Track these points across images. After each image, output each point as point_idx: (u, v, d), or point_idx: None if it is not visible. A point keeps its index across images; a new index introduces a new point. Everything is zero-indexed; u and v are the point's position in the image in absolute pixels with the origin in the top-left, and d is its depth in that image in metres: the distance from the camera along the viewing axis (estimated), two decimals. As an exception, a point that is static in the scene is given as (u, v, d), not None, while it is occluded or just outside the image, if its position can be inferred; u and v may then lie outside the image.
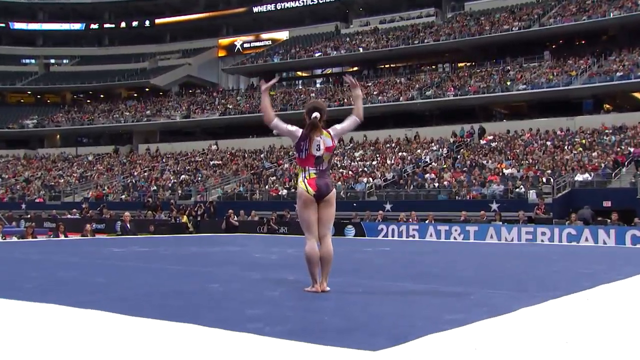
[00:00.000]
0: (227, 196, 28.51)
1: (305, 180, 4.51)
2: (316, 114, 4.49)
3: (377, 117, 36.14)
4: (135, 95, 50.77)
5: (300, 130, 4.53)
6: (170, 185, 32.27)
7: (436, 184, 24.04)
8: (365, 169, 28.15)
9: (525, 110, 34.45)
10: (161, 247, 10.73)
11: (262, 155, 35.68)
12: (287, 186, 27.81)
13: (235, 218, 20.55)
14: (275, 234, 18.60)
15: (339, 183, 26.17)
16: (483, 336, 2.95)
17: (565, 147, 25.78)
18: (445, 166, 26.40)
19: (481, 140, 29.85)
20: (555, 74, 32.42)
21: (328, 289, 4.51)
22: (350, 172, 28.07)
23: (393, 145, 32.34)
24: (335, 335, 2.86)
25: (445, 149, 29.43)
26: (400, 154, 30.07)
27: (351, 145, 33.54)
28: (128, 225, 16.02)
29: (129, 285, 4.97)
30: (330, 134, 4.57)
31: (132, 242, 11.80)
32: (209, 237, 15.72)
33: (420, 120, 35.44)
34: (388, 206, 22.44)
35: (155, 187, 31.87)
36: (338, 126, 4.64)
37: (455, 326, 3.10)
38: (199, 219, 22.69)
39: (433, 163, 27.51)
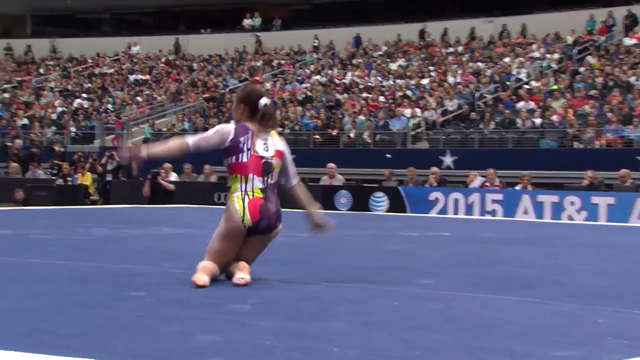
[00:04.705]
0: (162, 138, 28.50)
1: (246, 200, 5.33)
2: (267, 101, 5.53)
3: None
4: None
5: (231, 125, 5.49)
6: (54, 117, 32.23)
7: (537, 120, 24.00)
8: (410, 92, 28.08)
9: None
10: (38, 228, 10.75)
11: (223, 67, 35.49)
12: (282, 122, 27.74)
13: (171, 178, 20.53)
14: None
15: (361, 117, 26.09)
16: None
17: None
18: (555, 87, 26.31)
19: (626, 39, 29.67)
20: None
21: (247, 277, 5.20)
22: (380, 99, 28.00)
23: (460, 49, 32.14)
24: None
25: (556, 55, 29.27)
26: (472, 64, 29.93)
27: (384, 49, 33.36)
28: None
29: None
30: (280, 135, 5.54)
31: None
32: (128, 210, 15.73)
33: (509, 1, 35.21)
34: (449, 159, 22.40)
35: (25, 121, 31.85)
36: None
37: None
38: (108, 178, 22.69)
39: (533, 82, 27.40)
